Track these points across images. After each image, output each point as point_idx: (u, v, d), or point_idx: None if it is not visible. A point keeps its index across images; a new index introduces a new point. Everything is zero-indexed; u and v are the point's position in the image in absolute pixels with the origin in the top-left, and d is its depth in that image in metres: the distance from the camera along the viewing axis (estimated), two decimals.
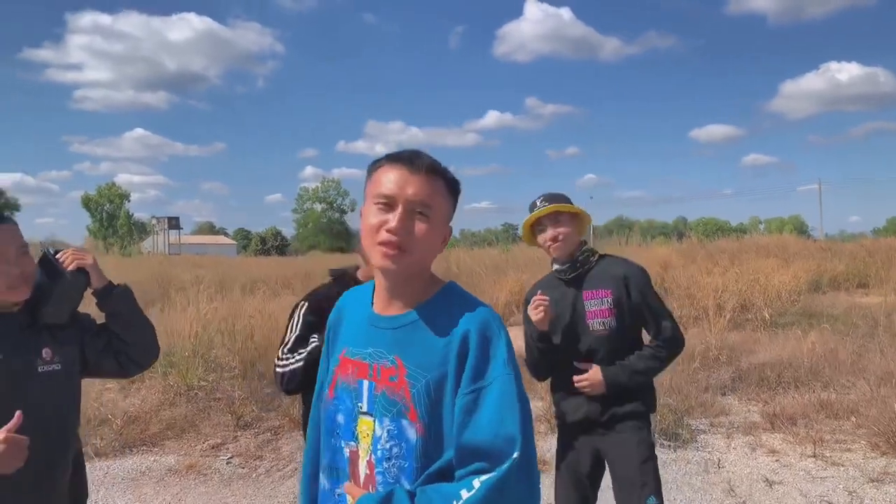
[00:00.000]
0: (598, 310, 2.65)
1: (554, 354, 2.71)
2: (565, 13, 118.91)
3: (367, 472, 1.38)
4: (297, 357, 2.39)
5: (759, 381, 6.92)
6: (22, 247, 1.94)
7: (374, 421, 1.37)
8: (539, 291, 2.69)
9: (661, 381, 5.98)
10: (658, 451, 5.17)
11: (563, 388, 2.75)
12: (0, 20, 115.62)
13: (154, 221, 63.87)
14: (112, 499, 4.51)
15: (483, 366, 1.32)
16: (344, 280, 2.55)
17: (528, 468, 1.29)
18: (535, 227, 2.72)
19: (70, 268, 2.03)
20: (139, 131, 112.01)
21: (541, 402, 6.49)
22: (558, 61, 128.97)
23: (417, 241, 1.36)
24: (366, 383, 1.39)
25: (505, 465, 1.26)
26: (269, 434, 5.75)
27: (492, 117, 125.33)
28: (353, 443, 1.41)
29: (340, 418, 1.43)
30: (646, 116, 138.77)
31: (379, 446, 1.36)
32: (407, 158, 1.39)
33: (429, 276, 1.45)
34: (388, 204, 1.36)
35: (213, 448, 5.45)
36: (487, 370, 1.32)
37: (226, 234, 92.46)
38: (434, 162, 1.40)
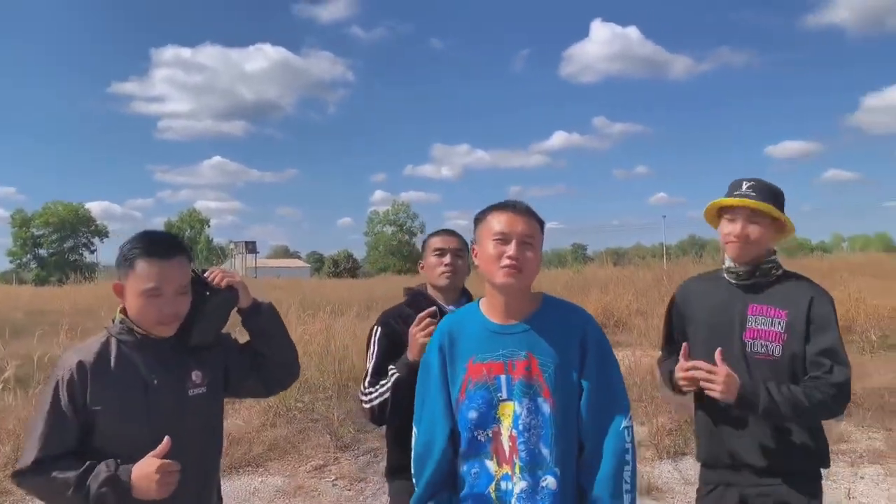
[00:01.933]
0: (764, 330, 2.23)
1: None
2: (632, 32, 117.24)
3: (510, 444, 1.80)
4: (381, 389, 2.38)
5: (879, 407, 6.49)
6: (182, 286, 1.91)
7: (514, 403, 1.80)
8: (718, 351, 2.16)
9: None
10: None
11: (716, 425, 2.32)
12: (92, 56, 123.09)
13: (232, 246, 66.23)
14: None
15: (602, 353, 1.87)
16: (416, 298, 2.57)
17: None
18: (724, 212, 2.34)
19: (221, 286, 2.02)
20: (217, 159, 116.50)
21: (641, 426, 6.29)
22: (626, 80, 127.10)
23: (529, 263, 1.83)
24: (503, 377, 1.81)
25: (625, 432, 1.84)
26: (369, 456, 5.75)
27: (558, 138, 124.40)
28: (494, 426, 1.81)
29: (473, 414, 1.82)
30: (718, 134, 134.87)
31: (520, 422, 1.79)
32: (511, 205, 1.88)
33: (532, 292, 1.92)
34: (503, 239, 1.83)
35: (316, 469, 5.49)
36: (605, 356, 1.87)
37: (299, 258, 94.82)
38: (528, 205, 1.89)
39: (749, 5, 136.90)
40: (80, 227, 67.89)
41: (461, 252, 2.56)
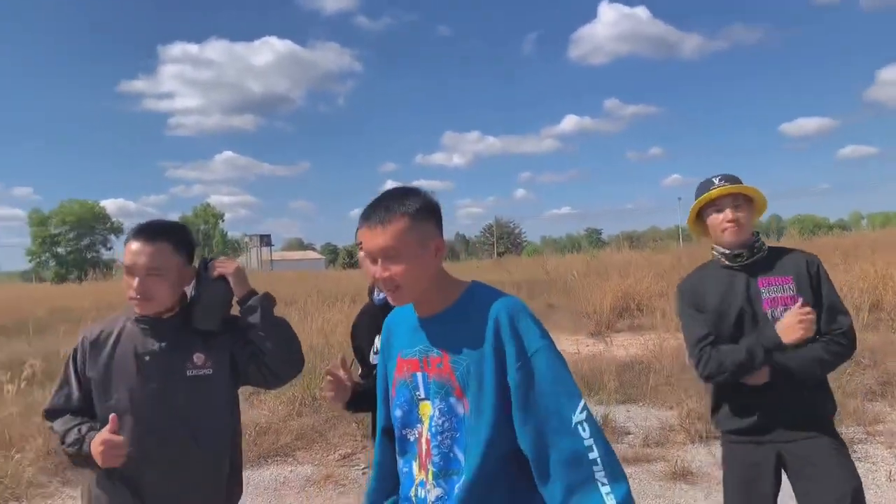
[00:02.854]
0: (779, 297, 2.41)
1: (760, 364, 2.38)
2: (641, 12, 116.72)
3: (426, 447, 1.63)
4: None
5: None
6: (154, 269, 2.01)
7: (430, 403, 1.63)
8: (801, 301, 2.34)
9: None
10: None
11: (734, 391, 2.45)
12: (100, 56, 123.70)
13: (247, 239, 66.50)
14: None
15: (521, 342, 1.55)
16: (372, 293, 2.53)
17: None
18: (709, 207, 2.50)
19: (213, 276, 2.09)
20: (228, 154, 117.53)
21: (670, 411, 6.23)
22: (637, 61, 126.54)
23: (401, 278, 1.58)
24: (419, 375, 1.65)
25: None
26: None
27: (569, 122, 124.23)
28: (418, 425, 1.66)
29: (399, 412, 1.69)
30: (732, 112, 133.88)
31: (433, 423, 1.61)
32: (365, 216, 1.62)
33: (447, 283, 1.68)
34: (371, 259, 1.62)
35: (344, 458, 5.48)
36: (526, 344, 1.55)
37: (314, 250, 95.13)
38: (388, 208, 1.58)
39: None
40: (95, 225, 68.67)
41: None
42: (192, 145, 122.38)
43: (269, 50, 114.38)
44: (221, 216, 71.10)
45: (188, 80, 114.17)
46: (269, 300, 2.13)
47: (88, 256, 64.40)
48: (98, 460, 1.91)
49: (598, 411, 6.13)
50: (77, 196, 73.15)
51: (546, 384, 1.51)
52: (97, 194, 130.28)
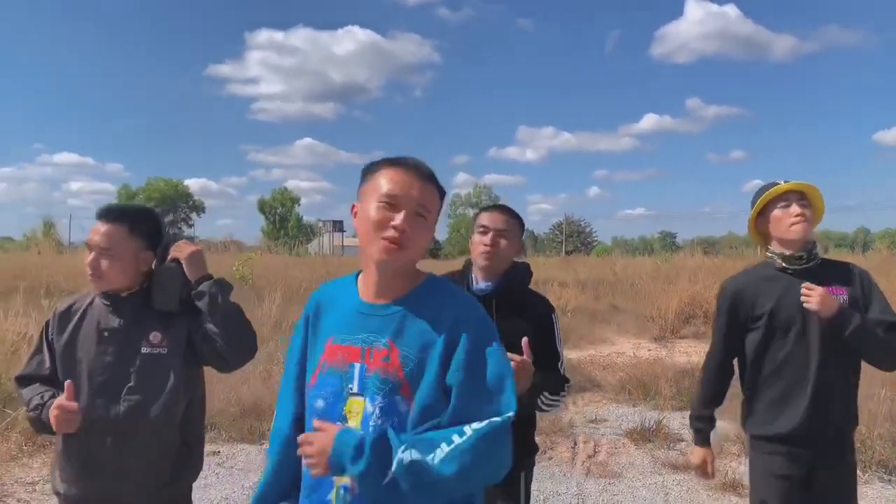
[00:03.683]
0: None
1: (776, 355, 2.45)
2: (731, 10, 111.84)
3: None
4: None
5: None
6: (105, 249, 2.11)
7: (366, 399, 1.48)
8: (803, 285, 2.36)
9: (879, 406, 5.36)
10: (878, 488, 4.65)
11: (778, 396, 2.46)
12: (190, 40, 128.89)
13: (320, 224, 68.04)
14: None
15: (475, 344, 1.46)
16: (463, 272, 2.54)
17: (510, 433, 1.44)
18: (775, 203, 2.47)
19: (168, 258, 2.16)
20: (308, 140, 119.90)
21: (725, 421, 6.06)
22: (723, 61, 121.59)
23: (416, 239, 1.50)
24: (357, 366, 1.50)
25: (499, 420, 1.41)
26: None
27: (649, 120, 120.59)
28: (338, 423, 1.48)
29: (320, 403, 1.52)
30: (823, 119, 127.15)
31: (371, 422, 1.46)
32: (411, 164, 1.54)
33: (415, 270, 1.59)
34: (393, 204, 1.49)
35: None
36: (482, 347, 1.47)
37: None
38: (432, 170, 1.56)
39: None
40: (179, 203, 71.70)
41: (506, 233, 2.45)
42: (274, 130, 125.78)
43: (351, 39, 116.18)
44: (297, 200, 72.98)
45: (272, 66, 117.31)
46: (221, 286, 2.11)
47: (172, 232, 67.37)
48: (53, 425, 2.03)
49: (652, 416, 6.07)
50: (163, 174, 76.57)
51: (489, 384, 1.45)
52: (182, 173, 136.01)
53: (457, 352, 1.46)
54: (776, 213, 2.47)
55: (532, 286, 2.58)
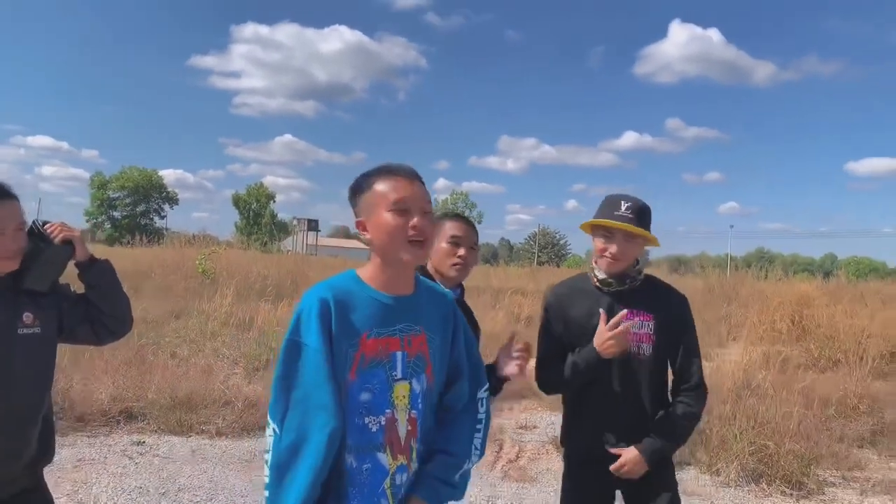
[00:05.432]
0: (634, 332, 2.40)
1: (584, 376, 2.42)
2: (714, 35, 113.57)
3: (409, 427, 1.66)
4: None
5: None
6: (19, 224, 2.08)
7: (412, 382, 1.67)
8: (624, 313, 2.37)
9: (788, 425, 5.54)
10: (779, 500, 4.81)
11: (585, 417, 2.51)
12: (174, 30, 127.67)
13: (295, 222, 67.61)
14: (226, 477, 4.82)
15: (466, 326, 1.87)
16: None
17: None
18: (601, 228, 2.45)
19: (57, 239, 2.15)
20: (288, 137, 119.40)
21: None
22: (704, 84, 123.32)
23: (432, 235, 1.73)
24: (399, 354, 1.65)
25: (487, 393, 1.92)
26: None
27: (629, 138, 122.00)
28: (387, 411, 1.63)
29: (366, 396, 1.61)
30: (798, 145, 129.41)
31: (420, 401, 1.69)
32: (406, 169, 1.71)
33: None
34: (405, 209, 1.63)
35: None
36: (468, 328, 1.88)
37: (359, 239, 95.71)
38: (415, 170, 1.74)
39: (840, 13, 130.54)
40: (152, 193, 70.73)
41: (476, 246, 2.49)
42: (254, 125, 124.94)
43: (337, 38, 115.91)
44: (273, 197, 72.40)
45: (257, 60, 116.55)
46: (110, 264, 2.26)
47: (143, 223, 66.53)
48: None
49: None
50: (138, 163, 75.51)
51: (480, 367, 1.90)
52: (159, 163, 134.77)
53: (457, 332, 1.82)
54: (598, 240, 2.47)
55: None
